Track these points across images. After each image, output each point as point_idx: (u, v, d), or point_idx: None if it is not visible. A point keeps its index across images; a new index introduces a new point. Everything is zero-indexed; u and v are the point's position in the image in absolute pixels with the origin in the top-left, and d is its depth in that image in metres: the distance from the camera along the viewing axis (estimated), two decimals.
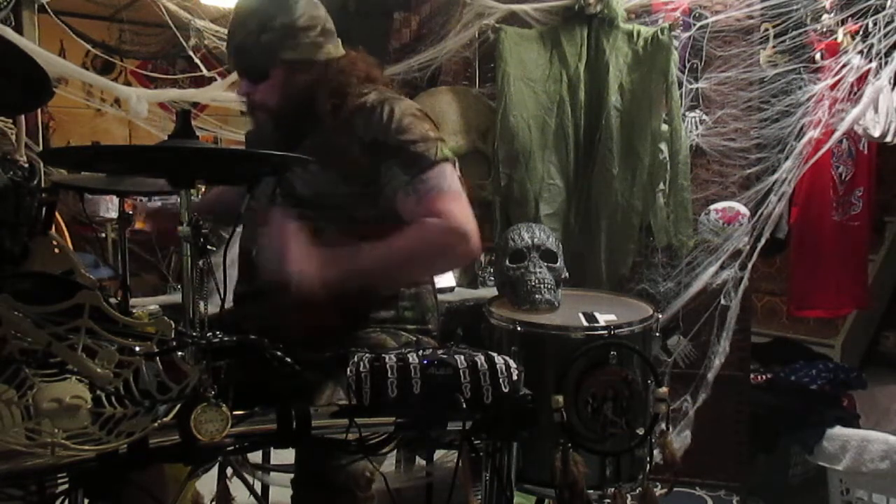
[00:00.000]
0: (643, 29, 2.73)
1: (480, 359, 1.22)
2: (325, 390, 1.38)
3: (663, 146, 2.73)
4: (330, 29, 1.61)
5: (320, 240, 1.52)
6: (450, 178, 1.51)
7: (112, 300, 1.56)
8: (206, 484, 1.49)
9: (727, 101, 2.71)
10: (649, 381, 1.63)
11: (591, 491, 1.59)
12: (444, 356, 1.21)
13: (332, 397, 1.35)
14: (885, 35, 2.43)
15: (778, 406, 2.77)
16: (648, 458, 1.67)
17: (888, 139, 2.57)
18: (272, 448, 1.75)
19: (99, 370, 0.95)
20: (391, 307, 1.61)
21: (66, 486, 1.02)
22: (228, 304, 1.40)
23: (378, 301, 1.60)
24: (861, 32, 2.50)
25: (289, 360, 1.13)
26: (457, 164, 1.56)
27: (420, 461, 2.02)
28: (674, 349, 2.74)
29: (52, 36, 3.02)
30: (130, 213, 1.90)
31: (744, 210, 2.64)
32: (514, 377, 1.21)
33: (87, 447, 0.95)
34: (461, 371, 1.19)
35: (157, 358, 1.01)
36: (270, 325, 1.40)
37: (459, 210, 1.48)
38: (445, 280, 2.77)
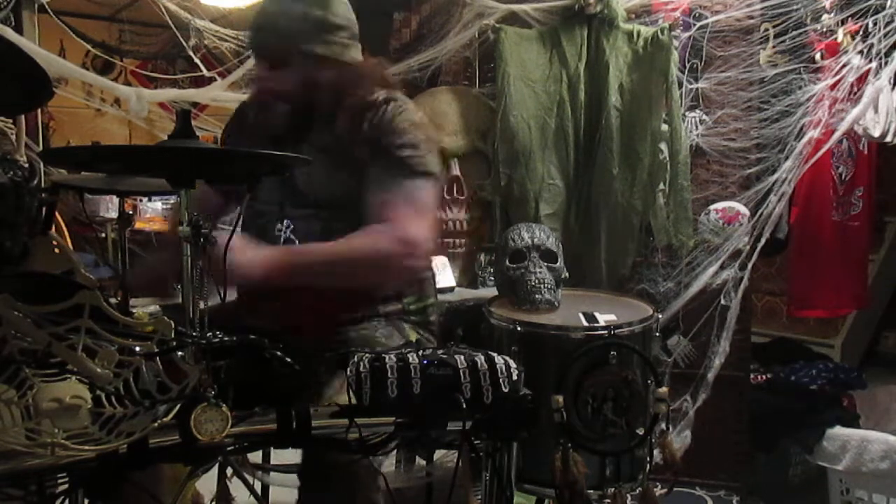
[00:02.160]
0: (643, 29, 2.73)
1: (480, 359, 1.22)
2: (334, 383, 1.38)
3: (663, 146, 2.73)
4: (356, 34, 1.63)
5: (328, 239, 1.54)
6: (424, 192, 1.51)
7: (112, 300, 1.56)
8: (206, 484, 1.49)
9: (727, 101, 2.71)
10: (649, 381, 1.62)
11: (591, 491, 1.59)
12: (444, 356, 1.21)
13: (340, 390, 1.35)
14: (885, 35, 2.43)
15: (778, 406, 2.76)
16: (648, 458, 1.67)
17: (888, 139, 2.57)
18: (272, 448, 1.75)
19: (99, 370, 0.95)
20: (396, 302, 1.62)
21: (66, 486, 1.02)
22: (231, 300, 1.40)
23: (382, 295, 1.61)
24: (861, 32, 2.50)
25: (289, 359, 1.13)
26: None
27: (420, 461, 2.02)
28: (674, 349, 2.74)
29: (52, 36, 3.02)
30: (130, 213, 1.90)
31: (744, 210, 2.64)
32: (514, 377, 1.21)
33: (87, 447, 0.95)
34: (461, 371, 1.19)
35: (157, 358, 1.01)
36: (273, 321, 1.41)
37: (416, 223, 1.47)
38: (445, 280, 2.77)
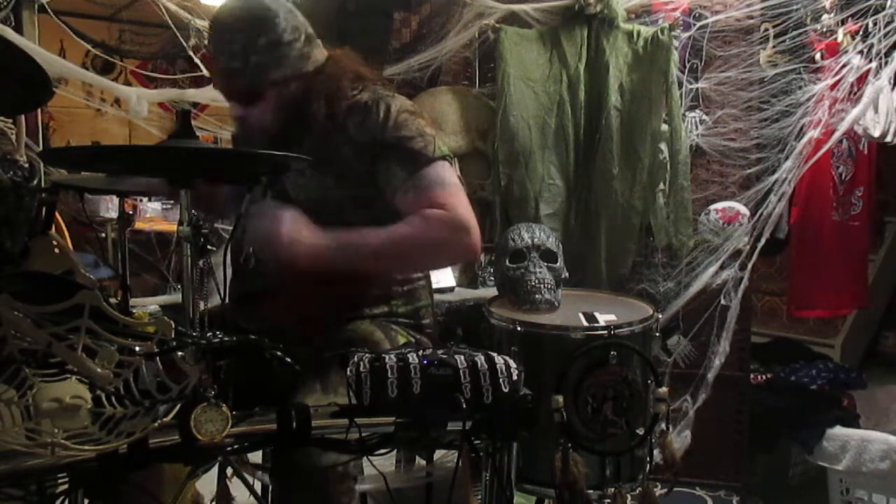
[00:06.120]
0: (643, 29, 2.73)
1: (480, 359, 1.22)
2: (313, 394, 1.37)
3: (663, 146, 2.73)
4: (311, 34, 1.57)
5: None
6: (449, 174, 1.50)
7: (112, 300, 1.56)
8: (206, 484, 1.49)
9: (727, 101, 2.71)
10: (649, 381, 1.62)
11: (591, 491, 1.59)
12: (444, 356, 1.21)
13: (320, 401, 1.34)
14: (885, 35, 2.43)
15: (778, 406, 2.77)
16: (648, 458, 1.67)
17: (888, 139, 2.57)
18: (272, 448, 1.75)
19: (99, 370, 0.95)
20: (383, 304, 1.60)
21: (66, 486, 1.02)
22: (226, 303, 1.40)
23: (370, 296, 1.59)
24: (861, 32, 2.50)
25: (289, 360, 1.13)
26: (456, 164, 1.55)
27: (420, 461, 2.02)
28: (674, 349, 2.74)
29: (52, 36, 3.01)
30: (130, 213, 1.90)
31: (744, 210, 2.64)
32: (514, 377, 1.21)
33: (87, 447, 0.95)
34: (461, 371, 1.19)
35: (157, 358, 1.01)
36: (264, 321, 1.40)
37: (461, 205, 1.47)
38: (445, 280, 2.77)
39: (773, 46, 2.67)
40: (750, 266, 2.64)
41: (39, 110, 2.53)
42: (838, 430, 2.57)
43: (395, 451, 1.95)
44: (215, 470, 1.32)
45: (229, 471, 1.43)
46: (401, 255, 1.48)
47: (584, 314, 1.77)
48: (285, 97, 1.53)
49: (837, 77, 2.51)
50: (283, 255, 1.38)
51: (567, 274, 1.96)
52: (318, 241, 1.40)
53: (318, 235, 1.41)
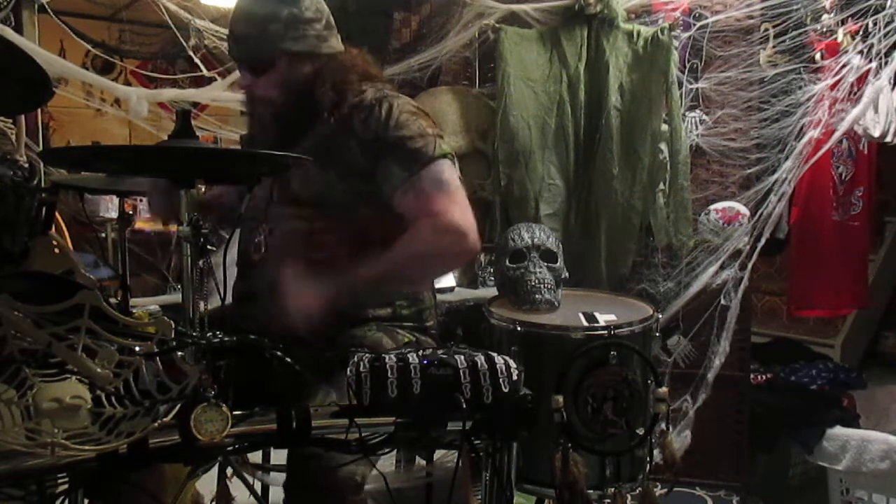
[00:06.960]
0: (643, 29, 2.73)
1: (480, 359, 1.22)
2: (317, 394, 1.37)
3: (663, 146, 2.73)
4: (332, 23, 1.61)
5: (318, 241, 1.52)
6: (447, 174, 1.51)
7: (112, 300, 1.56)
8: (206, 484, 1.49)
9: (727, 101, 2.71)
10: (649, 381, 1.62)
11: (591, 491, 1.59)
12: (444, 356, 1.21)
13: (323, 401, 1.35)
14: (885, 35, 2.43)
15: (778, 406, 2.77)
16: (648, 458, 1.67)
17: (888, 139, 2.57)
18: (272, 448, 1.75)
19: (99, 370, 0.95)
20: (388, 306, 1.60)
21: (66, 486, 1.02)
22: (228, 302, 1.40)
23: (375, 300, 1.60)
24: (861, 32, 2.51)
25: (289, 360, 1.13)
26: (456, 162, 1.56)
27: (420, 461, 2.02)
28: (674, 349, 2.74)
29: (52, 36, 3.01)
30: (130, 213, 1.90)
31: (744, 210, 2.64)
32: (514, 377, 1.21)
33: (87, 447, 0.95)
34: (461, 371, 1.19)
35: (157, 358, 1.01)
36: (268, 324, 1.40)
37: (456, 207, 1.47)
38: (445, 280, 2.77)
39: (773, 46, 2.67)
40: (750, 266, 2.64)
41: (39, 110, 2.53)
42: (838, 430, 2.57)
43: (395, 451, 1.95)
44: (215, 470, 1.32)
45: (229, 471, 1.44)
46: (401, 275, 1.51)
47: (584, 314, 1.77)
48: (295, 74, 1.55)
49: (837, 77, 2.51)
50: (301, 319, 1.39)
51: (567, 274, 1.96)
52: (323, 295, 1.41)
53: (320, 289, 1.41)
